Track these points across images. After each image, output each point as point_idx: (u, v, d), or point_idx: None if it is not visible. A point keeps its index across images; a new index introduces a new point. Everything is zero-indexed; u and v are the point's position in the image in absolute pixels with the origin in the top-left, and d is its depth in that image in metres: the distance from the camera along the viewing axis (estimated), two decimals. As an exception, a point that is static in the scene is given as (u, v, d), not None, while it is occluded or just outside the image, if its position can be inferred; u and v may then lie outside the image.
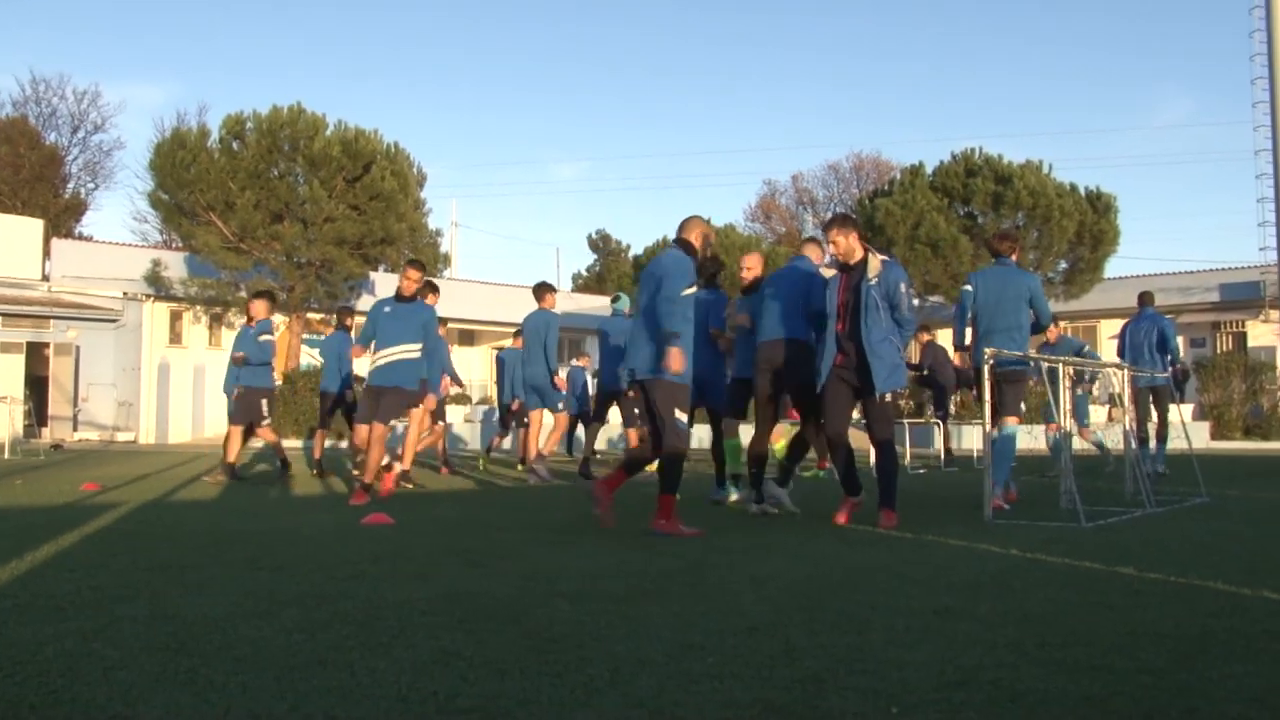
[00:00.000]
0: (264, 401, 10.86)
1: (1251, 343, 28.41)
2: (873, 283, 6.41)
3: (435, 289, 10.06)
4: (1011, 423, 7.64)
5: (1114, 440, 12.42)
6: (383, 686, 2.64)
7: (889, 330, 6.43)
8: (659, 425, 6.20)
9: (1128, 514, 7.03)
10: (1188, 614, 3.55)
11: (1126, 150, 78.90)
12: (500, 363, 14.03)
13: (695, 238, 6.37)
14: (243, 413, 10.82)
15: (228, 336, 28.71)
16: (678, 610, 3.64)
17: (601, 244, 66.26)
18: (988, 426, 7.04)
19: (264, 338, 10.86)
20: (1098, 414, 14.79)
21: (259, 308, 11.13)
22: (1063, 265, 27.42)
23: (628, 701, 2.50)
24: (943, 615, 3.53)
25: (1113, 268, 28.95)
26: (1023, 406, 7.94)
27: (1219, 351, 28.11)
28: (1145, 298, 11.61)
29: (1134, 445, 8.48)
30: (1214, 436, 22.15)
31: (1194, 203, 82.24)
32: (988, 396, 6.92)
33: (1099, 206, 26.89)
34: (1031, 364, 7.61)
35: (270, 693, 2.57)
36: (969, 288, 7.87)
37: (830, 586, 4.15)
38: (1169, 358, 11.11)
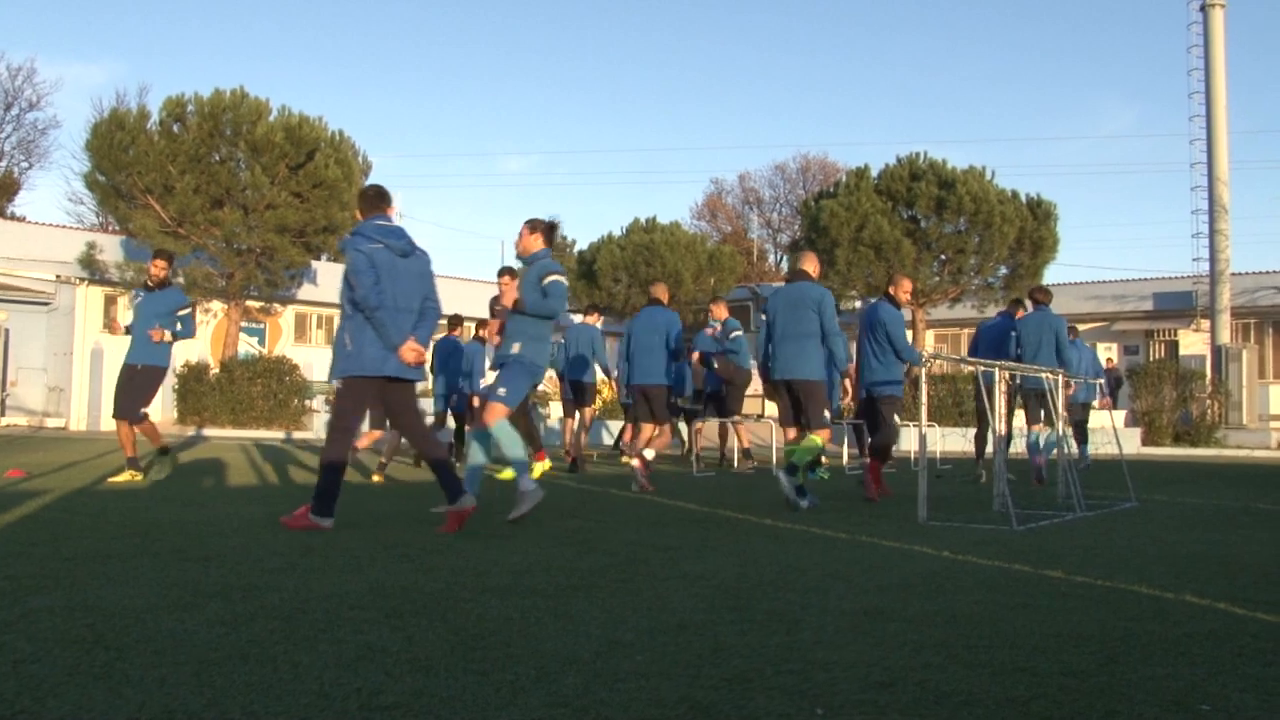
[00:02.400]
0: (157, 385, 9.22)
1: (1183, 351, 28.98)
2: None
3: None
4: (1039, 430, 10.36)
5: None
6: (305, 682, 2.59)
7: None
8: (804, 422, 7.63)
9: (1058, 517, 7.13)
10: (1112, 617, 3.60)
11: (1068, 159, 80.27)
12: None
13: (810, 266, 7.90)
14: (144, 396, 9.07)
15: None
16: (607, 607, 3.62)
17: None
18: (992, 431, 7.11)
19: (184, 311, 9.25)
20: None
21: (162, 267, 9.31)
22: (1003, 271, 27.76)
23: (553, 700, 2.48)
24: (872, 615, 3.55)
25: (1051, 274, 29.47)
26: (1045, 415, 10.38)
27: (1151, 359, 28.67)
28: (1039, 295, 11.12)
29: (1067, 449, 8.61)
30: (1145, 442, 22.58)
31: (1132, 213, 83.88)
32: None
33: (1039, 214, 27.27)
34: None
35: (188, 687, 2.52)
36: (1014, 333, 10.85)
37: (762, 585, 4.16)
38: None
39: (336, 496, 5.88)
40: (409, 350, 5.77)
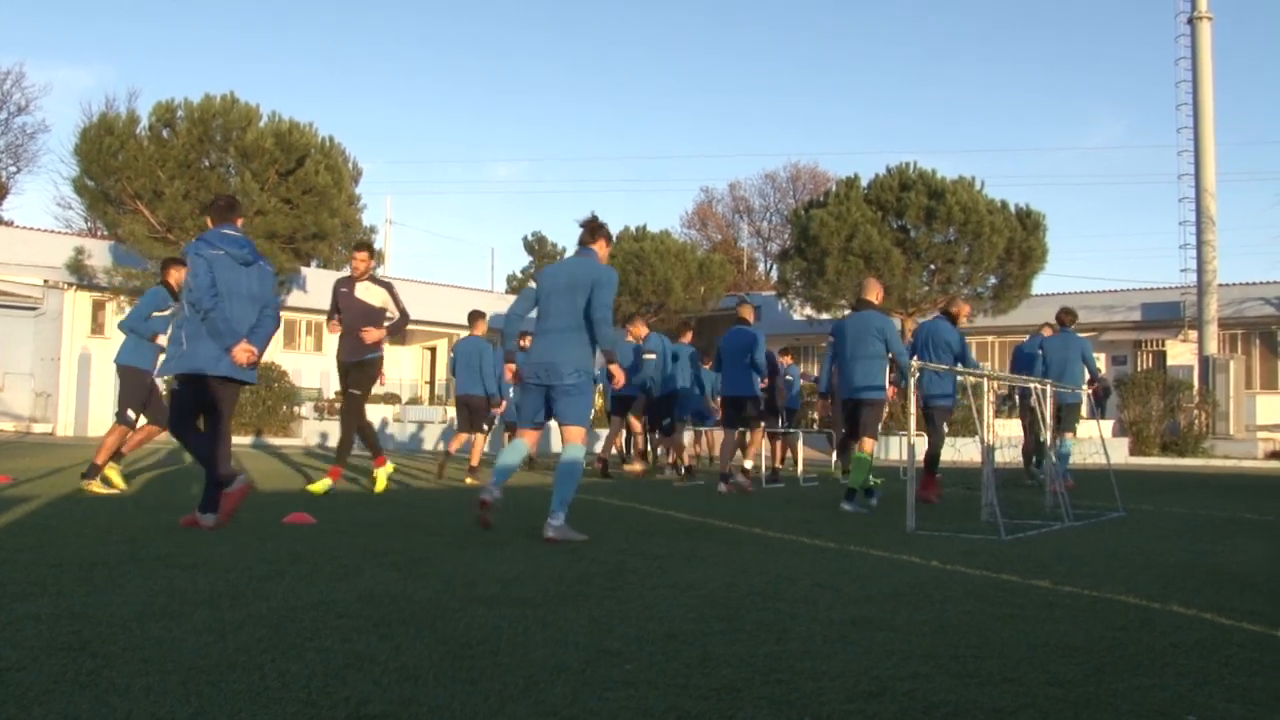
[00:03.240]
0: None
1: (1171, 361, 29.07)
2: None
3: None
4: (1070, 438, 11.35)
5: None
6: (292, 690, 2.58)
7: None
8: (859, 433, 8.50)
9: (1046, 527, 7.15)
10: (1099, 627, 3.62)
11: (1057, 170, 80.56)
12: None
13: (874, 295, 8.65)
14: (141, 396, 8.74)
15: (152, 328, 28.12)
16: (596, 616, 3.62)
17: (537, 246, 65.91)
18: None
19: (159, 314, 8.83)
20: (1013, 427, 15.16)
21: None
22: (992, 281, 27.86)
23: (541, 709, 2.48)
24: (860, 625, 3.56)
25: (1040, 285, 29.53)
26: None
27: (1139, 369, 28.77)
28: (1064, 316, 12.04)
29: (1053, 459, 8.65)
30: (1133, 452, 22.65)
31: (1120, 223, 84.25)
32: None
33: (1028, 224, 27.39)
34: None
35: (175, 696, 2.51)
36: (1040, 350, 11.85)
37: (751, 595, 4.16)
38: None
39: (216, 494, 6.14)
40: (241, 352, 6.02)
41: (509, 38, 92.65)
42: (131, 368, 8.60)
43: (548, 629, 3.38)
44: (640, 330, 12.91)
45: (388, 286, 9.12)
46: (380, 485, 9.20)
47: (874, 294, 8.77)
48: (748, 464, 11.05)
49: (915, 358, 9.17)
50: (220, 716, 2.36)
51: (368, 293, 8.98)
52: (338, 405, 27.61)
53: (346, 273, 9.43)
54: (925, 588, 4.43)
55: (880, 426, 8.77)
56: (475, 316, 12.36)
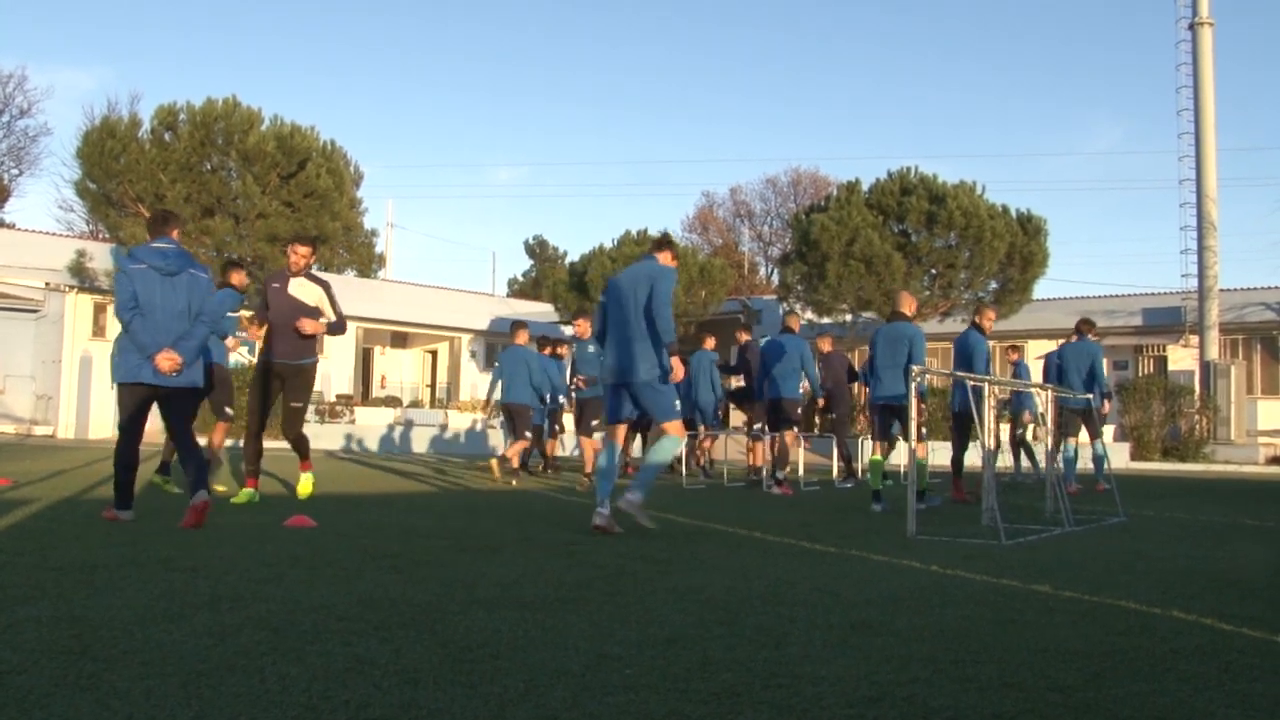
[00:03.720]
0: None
1: (1171, 366, 29.03)
2: None
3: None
4: (1074, 442, 11.94)
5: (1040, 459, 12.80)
6: (292, 694, 2.59)
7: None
8: (893, 433, 9.64)
9: (1047, 532, 7.15)
10: (1099, 632, 3.61)
11: (1058, 175, 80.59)
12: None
13: (907, 306, 9.40)
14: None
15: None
16: (596, 620, 3.62)
17: (538, 250, 66.11)
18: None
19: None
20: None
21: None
22: (993, 285, 27.81)
23: (541, 713, 2.48)
24: (860, 630, 3.56)
25: (1041, 289, 29.49)
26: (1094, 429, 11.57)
27: (1140, 374, 28.75)
28: (1083, 326, 12.58)
29: (1056, 464, 8.66)
30: (1133, 457, 22.62)
31: (1121, 228, 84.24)
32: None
33: (1029, 229, 27.35)
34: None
35: (175, 699, 2.51)
36: (1056, 359, 12.44)
37: (751, 599, 4.16)
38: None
39: (128, 491, 6.53)
40: (163, 359, 6.30)
41: (510, 42, 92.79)
42: (219, 365, 9.07)
43: (548, 633, 3.38)
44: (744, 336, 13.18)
45: (324, 285, 8.37)
46: (306, 490, 8.54)
47: (907, 306, 9.56)
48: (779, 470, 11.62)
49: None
50: (221, 719, 2.37)
51: (302, 289, 8.23)
52: (332, 408, 27.67)
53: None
54: (925, 592, 4.43)
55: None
56: (517, 326, 12.74)
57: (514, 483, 11.51)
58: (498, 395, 12.47)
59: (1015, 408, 13.84)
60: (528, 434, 12.35)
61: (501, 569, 4.84)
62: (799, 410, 11.80)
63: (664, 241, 7.16)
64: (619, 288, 6.79)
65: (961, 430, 10.54)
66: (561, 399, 13.59)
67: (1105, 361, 12.95)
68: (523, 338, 12.52)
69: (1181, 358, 29.19)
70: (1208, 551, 6.29)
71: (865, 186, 28.26)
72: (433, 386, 36.80)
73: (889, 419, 9.56)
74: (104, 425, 27.10)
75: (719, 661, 3.05)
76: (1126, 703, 2.70)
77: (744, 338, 13.78)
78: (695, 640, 3.33)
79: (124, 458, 6.50)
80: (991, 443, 7.82)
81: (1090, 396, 11.32)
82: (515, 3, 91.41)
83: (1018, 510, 8.55)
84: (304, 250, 8.32)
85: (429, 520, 7.23)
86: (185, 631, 3.25)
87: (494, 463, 12.07)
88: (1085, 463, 14.11)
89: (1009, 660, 3.14)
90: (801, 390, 11.79)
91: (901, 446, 11.22)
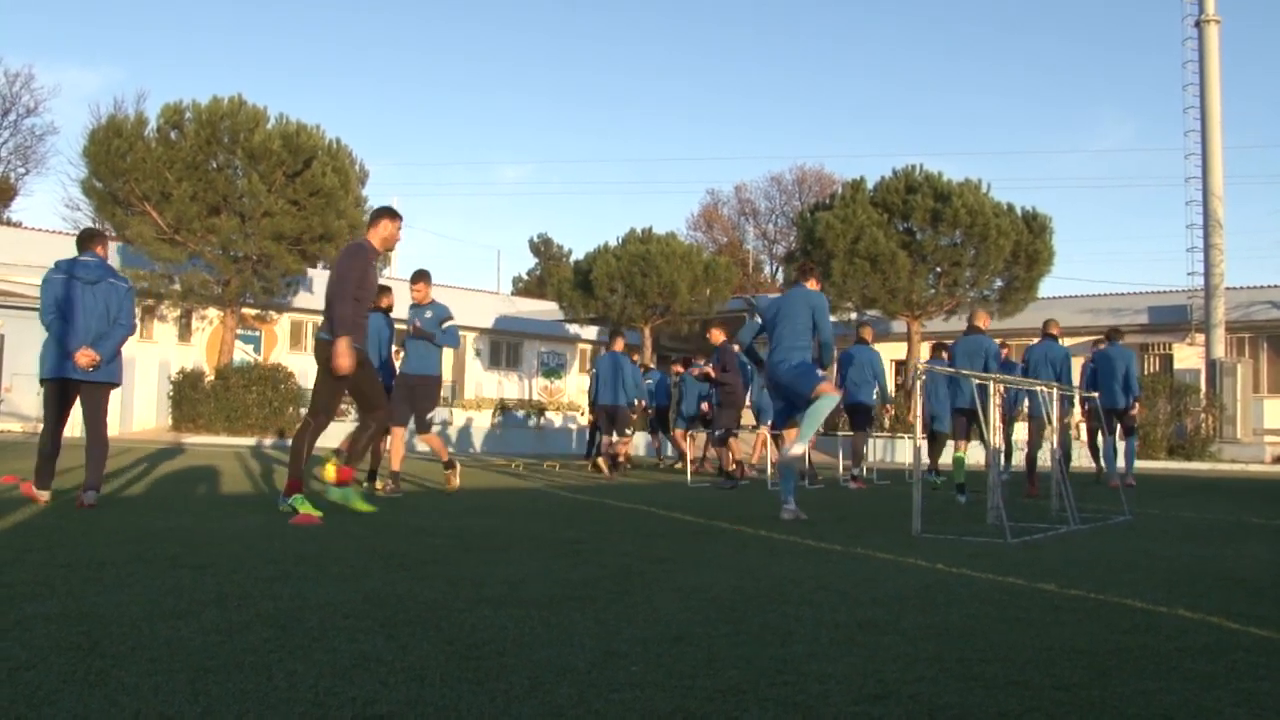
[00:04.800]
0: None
1: (1178, 365, 28.98)
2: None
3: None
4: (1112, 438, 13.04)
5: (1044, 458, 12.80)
6: (299, 690, 2.59)
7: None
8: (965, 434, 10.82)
9: (1052, 530, 7.15)
10: (1104, 631, 3.61)
11: (1063, 172, 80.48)
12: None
13: (982, 322, 10.73)
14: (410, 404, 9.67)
15: (160, 329, 28.15)
16: (602, 618, 3.63)
17: (543, 248, 66.18)
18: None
19: (449, 323, 9.75)
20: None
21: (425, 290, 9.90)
22: (998, 284, 27.79)
23: (547, 710, 2.49)
24: (866, 628, 3.56)
25: (1047, 288, 29.46)
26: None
27: (1146, 373, 28.71)
28: (1112, 334, 13.89)
29: (1061, 463, 8.65)
30: (1139, 456, 22.62)
31: (1127, 226, 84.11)
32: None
33: (1035, 227, 27.30)
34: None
35: (183, 695, 2.52)
36: (1091, 364, 13.73)
37: (757, 597, 4.17)
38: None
39: (48, 471, 7.40)
40: (82, 356, 7.15)
41: (515, 40, 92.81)
42: (433, 376, 9.80)
43: (554, 630, 3.39)
44: (718, 336, 13.22)
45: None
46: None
47: (982, 321, 10.91)
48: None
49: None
50: (228, 716, 2.38)
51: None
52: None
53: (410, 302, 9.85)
54: (931, 591, 4.43)
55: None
56: (614, 334, 13.93)
57: (614, 475, 12.79)
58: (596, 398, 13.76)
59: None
60: (629, 431, 13.20)
61: (508, 567, 4.85)
62: (872, 415, 13.23)
63: (805, 268, 8.26)
64: (780, 311, 7.83)
65: (1038, 430, 11.29)
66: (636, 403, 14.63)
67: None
68: (619, 345, 13.63)
69: (1187, 356, 29.16)
70: (1214, 550, 6.29)
71: (870, 184, 28.25)
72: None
73: (968, 423, 10.71)
74: (110, 424, 27.12)
75: (725, 659, 3.05)
76: (1132, 701, 2.70)
77: (719, 338, 13.22)
78: (701, 638, 3.34)
79: (46, 446, 7.36)
80: (998, 442, 7.84)
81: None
82: (520, 1, 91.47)
83: (1023, 509, 8.56)
84: (419, 286, 9.67)
85: (435, 519, 7.24)
86: (193, 628, 3.26)
87: (602, 461, 13.11)
88: (1082, 461, 14.10)
89: (1015, 659, 3.14)
90: (874, 395, 13.10)
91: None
